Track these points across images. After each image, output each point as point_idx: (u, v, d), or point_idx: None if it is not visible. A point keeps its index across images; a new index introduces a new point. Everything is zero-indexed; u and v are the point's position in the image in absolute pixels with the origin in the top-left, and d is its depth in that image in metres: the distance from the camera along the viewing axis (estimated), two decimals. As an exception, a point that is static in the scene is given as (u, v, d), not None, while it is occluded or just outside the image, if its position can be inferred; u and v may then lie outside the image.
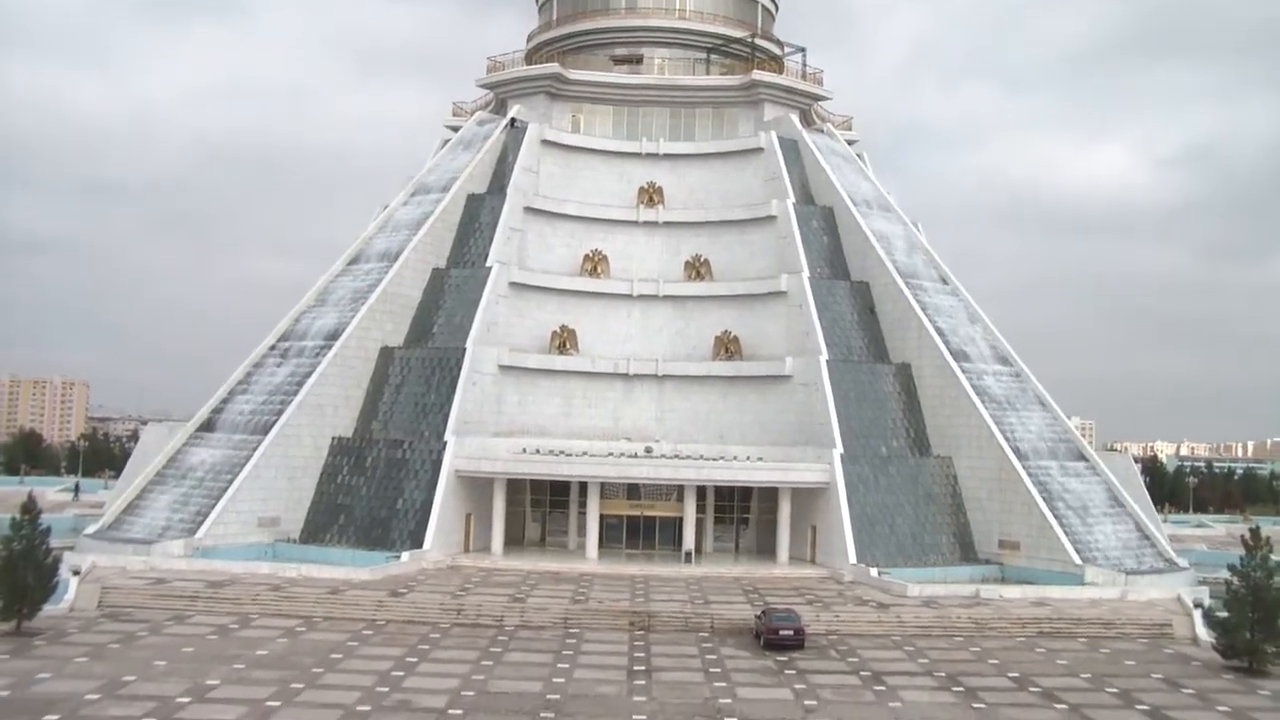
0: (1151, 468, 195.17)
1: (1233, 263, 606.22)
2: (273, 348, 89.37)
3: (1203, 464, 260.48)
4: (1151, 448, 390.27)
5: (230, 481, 79.21)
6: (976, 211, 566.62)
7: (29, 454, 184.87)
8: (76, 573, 63.72)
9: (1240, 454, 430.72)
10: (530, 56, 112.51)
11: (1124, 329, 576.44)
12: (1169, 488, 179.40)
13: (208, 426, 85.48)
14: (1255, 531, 56.50)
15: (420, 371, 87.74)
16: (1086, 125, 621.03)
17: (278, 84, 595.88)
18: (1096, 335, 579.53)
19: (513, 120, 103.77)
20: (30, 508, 56.12)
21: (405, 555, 74.48)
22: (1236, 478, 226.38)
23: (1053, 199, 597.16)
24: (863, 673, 50.76)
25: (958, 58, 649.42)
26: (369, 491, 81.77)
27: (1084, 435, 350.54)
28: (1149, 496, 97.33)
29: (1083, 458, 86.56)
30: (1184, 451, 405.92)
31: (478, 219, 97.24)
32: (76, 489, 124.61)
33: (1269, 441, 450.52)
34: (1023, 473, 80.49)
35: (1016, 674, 51.34)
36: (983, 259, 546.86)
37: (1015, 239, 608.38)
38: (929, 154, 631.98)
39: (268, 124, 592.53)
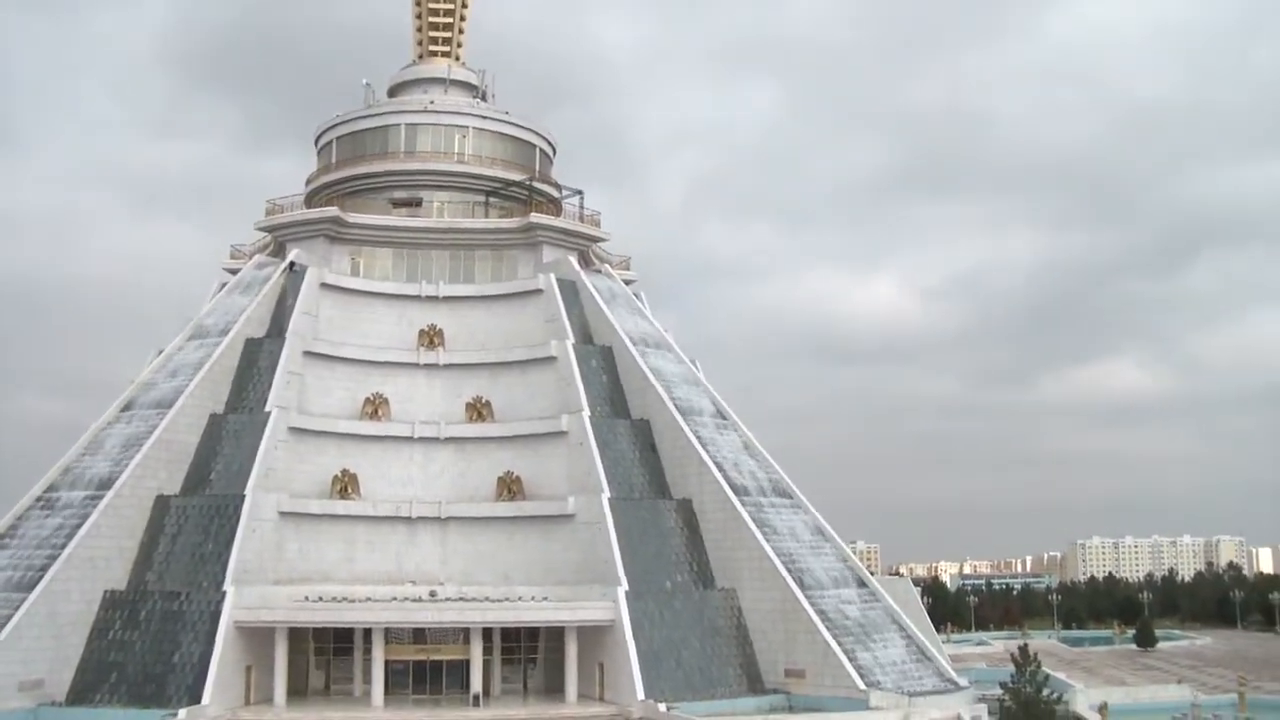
0: (933, 588, 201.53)
1: (1003, 387, 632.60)
2: (39, 499, 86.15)
3: (982, 582, 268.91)
4: (935, 568, 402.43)
5: (-11, 643, 75.65)
6: (761, 343, 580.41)
7: None
8: None
9: (1020, 569, 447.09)
10: (310, 199, 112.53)
11: (904, 453, 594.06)
12: (951, 607, 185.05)
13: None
14: (1023, 649, 59.18)
15: (198, 520, 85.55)
16: (860, 259, 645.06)
17: (42, 218, 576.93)
18: (878, 460, 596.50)
19: (291, 264, 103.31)
20: None
21: (182, 713, 71.78)
22: (1015, 593, 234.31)
23: (832, 330, 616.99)
24: (651, 810, 50.95)
25: (737, 195, 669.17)
26: (143, 646, 78.85)
27: (868, 559, 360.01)
28: (929, 618, 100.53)
29: (863, 584, 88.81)
30: (967, 570, 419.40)
31: (256, 363, 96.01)
32: None
33: (1045, 555, 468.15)
34: (804, 602, 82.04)
35: (801, 804, 52.19)
36: (767, 390, 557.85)
37: (798, 369, 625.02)
38: (714, 287, 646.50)
39: (32, 256, 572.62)
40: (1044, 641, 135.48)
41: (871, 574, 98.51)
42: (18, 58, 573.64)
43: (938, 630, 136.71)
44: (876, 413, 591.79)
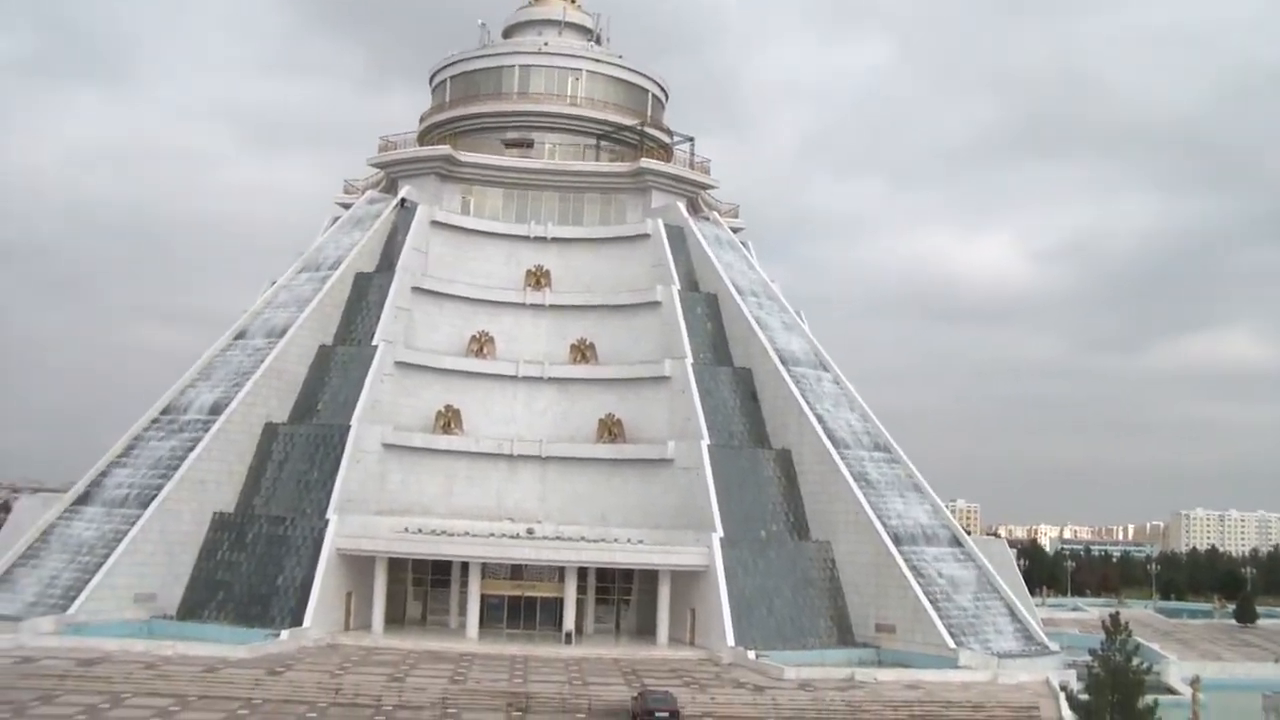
0: (1031, 551, 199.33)
1: (1111, 351, 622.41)
2: (155, 420, 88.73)
3: (1081, 548, 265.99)
4: (1035, 530, 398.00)
5: (106, 556, 78.27)
6: (865, 299, 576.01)
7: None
8: (-62, 649, 62.50)
9: (1121, 537, 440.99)
10: (422, 137, 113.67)
11: (1009, 414, 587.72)
12: (1048, 570, 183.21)
13: (84, 499, 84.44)
14: (1115, 617, 58.30)
15: (304, 448, 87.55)
16: (968, 218, 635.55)
17: (164, 152, 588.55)
18: (982, 420, 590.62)
19: (403, 200, 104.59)
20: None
21: (284, 633, 73.92)
22: (1114, 561, 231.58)
23: (938, 288, 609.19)
24: (737, 754, 51.60)
25: (845, 150, 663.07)
26: (249, 568, 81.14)
27: (968, 519, 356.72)
28: (1023, 580, 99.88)
29: (958, 543, 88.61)
30: (1067, 534, 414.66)
31: (366, 297, 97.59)
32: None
33: (1148, 525, 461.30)
34: (898, 557, 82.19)
35: (887, 756, 52.52)
36: (869, 345, 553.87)
37: (901, 326, 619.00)
38: (819, 241, 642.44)
39: (154, 191, 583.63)
40: (1140, 611, 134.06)
41: (970, 534, 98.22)
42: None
43: (1033, 594, 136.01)
44: (981, 372, 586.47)
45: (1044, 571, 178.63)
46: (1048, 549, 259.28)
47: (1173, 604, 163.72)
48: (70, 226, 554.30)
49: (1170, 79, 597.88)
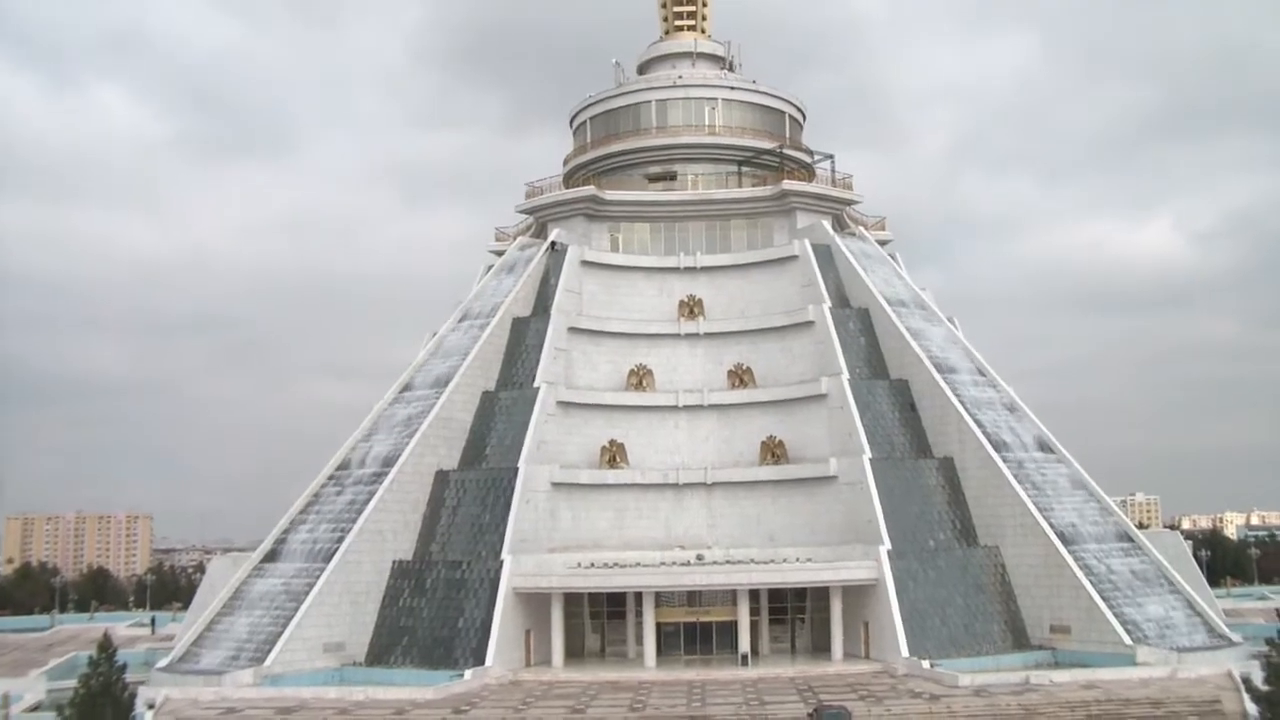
0: (1212, 540, 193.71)
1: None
2: (331, 477, 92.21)
3: (1266, 534, 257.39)
4: (1219, 519, 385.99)
5: (295, 609, 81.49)
6: (1027, 296, 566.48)
7: (98, 590, 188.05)
8: (151, 706, 66.15)
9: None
10: (567, 179, 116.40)
11: (1185, 401, 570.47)
12: (1232, 559, 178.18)
13: (271, 557, 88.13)
14: (1290, 604, 57.69)
15: (475, 493, 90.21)
16: (1126, 206, 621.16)
17: (326, 215, 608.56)
18: (1158, 410, 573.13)
19: (553, 244, 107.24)
20: (106, 645, 58.85)
21: (468, 673, 76.23)
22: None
23: (1100, 279, 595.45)
24: (911, 763, 52.25)
25: (995, 149, 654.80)
26: (430, 612, 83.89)
27: (1148, 511, 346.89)
28: (1201, 572, 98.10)
29: (1129, 538, 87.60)
30: (1254, 521, 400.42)
31: (524, 341, 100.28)
32: (153, 623, 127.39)
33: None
34: (1069, 558, 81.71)
35: (1063, 757, 52.65)
36: (1033, 342, 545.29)
37: (1065, 320, 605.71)
38: (976, 243, 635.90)
39: (319, 254, 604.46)
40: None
41: (1149, 526, 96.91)
42: (291, 70, 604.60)
43: (1217, 584, 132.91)
44: (1154, 360, 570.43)
45: (1228, 561, 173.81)
46: (1234, 537, 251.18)
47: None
48: (245, 296, 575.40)
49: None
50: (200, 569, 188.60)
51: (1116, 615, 78.30)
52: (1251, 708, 60.26)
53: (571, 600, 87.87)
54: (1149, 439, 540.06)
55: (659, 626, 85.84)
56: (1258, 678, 63.54)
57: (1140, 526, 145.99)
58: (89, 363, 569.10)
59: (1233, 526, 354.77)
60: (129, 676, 60.06)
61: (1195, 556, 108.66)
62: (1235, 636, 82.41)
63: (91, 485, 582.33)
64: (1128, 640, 76.29)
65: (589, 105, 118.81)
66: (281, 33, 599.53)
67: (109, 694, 57.05)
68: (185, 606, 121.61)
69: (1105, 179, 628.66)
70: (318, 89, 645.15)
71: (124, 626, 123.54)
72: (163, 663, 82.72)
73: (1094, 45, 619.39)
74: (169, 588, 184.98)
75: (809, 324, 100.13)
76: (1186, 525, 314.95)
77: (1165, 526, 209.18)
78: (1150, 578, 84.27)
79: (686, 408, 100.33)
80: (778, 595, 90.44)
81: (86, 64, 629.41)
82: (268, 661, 77.92)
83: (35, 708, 73.36)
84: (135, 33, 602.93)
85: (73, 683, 60.32)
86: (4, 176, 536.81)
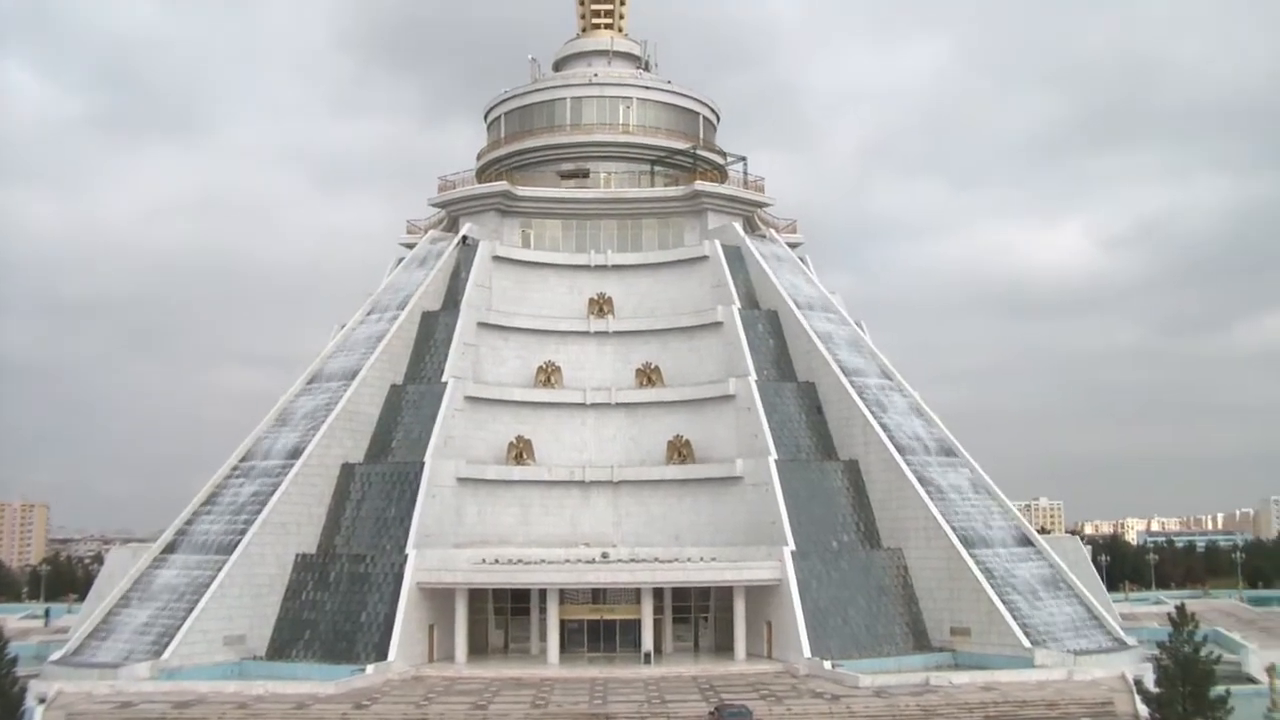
0: (1112, 546, 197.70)
1: (1193, 335, 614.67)
2: (235, 468, 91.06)
3: (1165, 540, 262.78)
4: (1121, 524, 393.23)
5: (195, 602, 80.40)
6: (938, 301, 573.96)
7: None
8: (42, 700, 64.91)
9: (1211, 526, 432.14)
10: (481, 174, 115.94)
11: (1091, 407, 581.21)
12: (1130, 565, 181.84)
13: (172, 548, 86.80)
14: (1181, 609, 59.10)
15: (380, 486, 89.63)
16: (1037, 213, 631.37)
17: (237, 200, 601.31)
18: (1064, 415, 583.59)
19: (464, 238, 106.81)
20: (-3, 637, 57.71)
21: (370, 668, 75.76)
22: (1199, 552, 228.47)
23: (1011, 285, 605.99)
24: (811, 762, 52.73)
25: (909, 153, 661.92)
26: (333, 606, 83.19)
27: (1051, 516, 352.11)
28: (1099, 576, 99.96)
29: (1030, 543, 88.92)
30: (1155, 527, 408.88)
31: (433, 335, 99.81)
32: (46, 614, 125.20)
33: (1238, 512, 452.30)
34: (970, 561, 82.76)
35: (960, 757, 53.38)
36: (942, 347, 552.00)
37: (974, 325, 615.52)
38: (889, 246, 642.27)
39: (229, 238, 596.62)
40: (1226, 602, 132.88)
41: (1051, 531, 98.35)
42: (206, 50, 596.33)
43: (1115, 589, 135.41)
44: (1061, 366, 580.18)
45: (1127, 566, 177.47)
46: (1134, 543, 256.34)
47: (1262, 592, 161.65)
48: (151, 278, 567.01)
49: (1234, 53, 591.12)
50: (98, 559, 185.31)
51: (1016, 618, 79.40)
52: (1143, 709, 61.53)
53: (476, 596, 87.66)
54: (1054, 444, 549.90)
55: (563, 624, 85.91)
56: (1150, 680, 64.94)
57: (1043, 532, 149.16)
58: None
59: (1134, 532, 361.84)
60: (20, 670, 58.87)
61: (1095, 561, 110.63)
62: (1131, 640, 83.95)
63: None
64: (1026, 643, 77.38)
65: (504, 100, 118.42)
66: (197, 11, 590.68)
67: (-1, 686, 55.97)
68: (81, 598, 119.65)
69: (1016, 185, 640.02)
70: (233, 70, 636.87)
71: (16, 618, 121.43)
72: (56, 655, 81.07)
73: (1006, 53, 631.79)
74: (65, 578, 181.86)
75: (718, 325, 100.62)
76: (1089, 530, 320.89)
77: (1067, 532, 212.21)
78: (1049, 581, 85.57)
79: (594, 405, 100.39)
80: (682, 594, 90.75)
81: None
82: (166, 654, 76.78)
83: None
84: (44, 7, 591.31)
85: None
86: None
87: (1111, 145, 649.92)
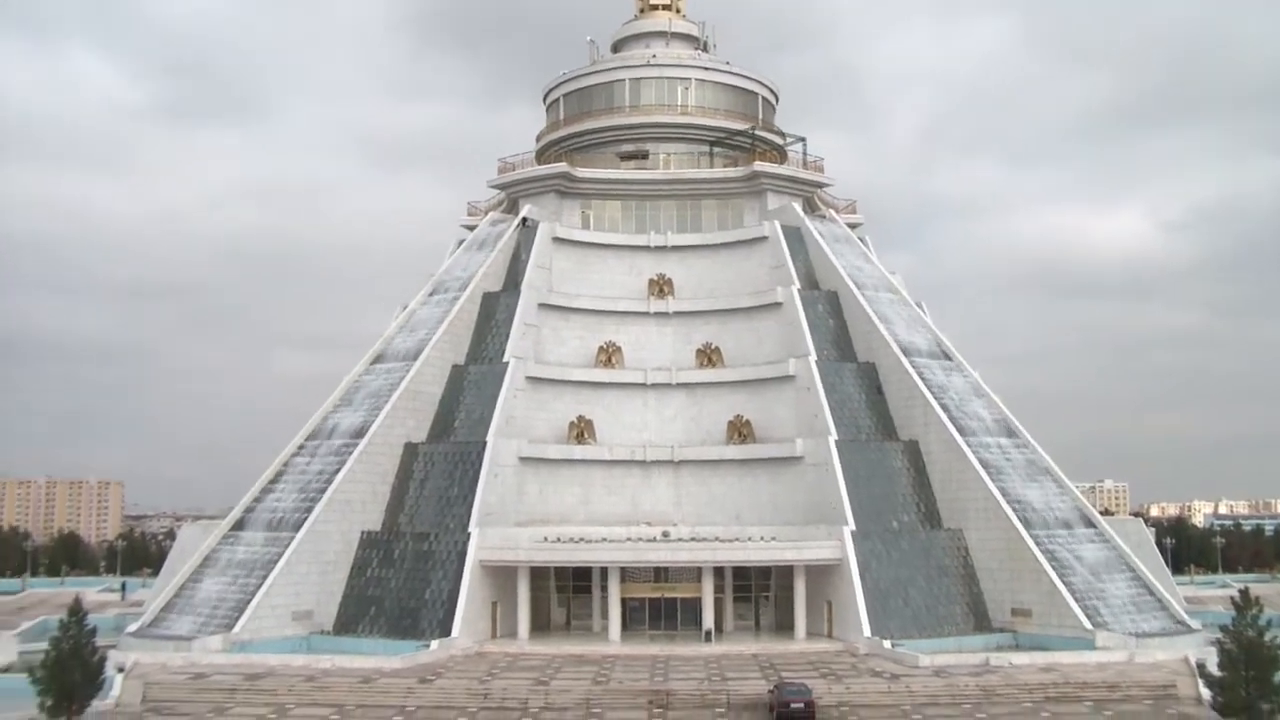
0: (1177, 528, 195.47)
1: (1256, 317, 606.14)
2: (301, 446, 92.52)
3: (1232, 523, 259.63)
4: (1188, 507, 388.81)
5: (264, 577, 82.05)
6: (998, 282, 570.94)
7: (69, 555, 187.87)
8: (121, 670, 66.50)
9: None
10: (540, 156, 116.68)
11: (1156, 390, 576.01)
12: (1196, 548, 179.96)
13: (241, 525, 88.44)
14: (1245, 593, 58.80)
15: (443, 466, 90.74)
16: (1094, 194, 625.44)
17: (297, 183, 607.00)
18: (1129, 397, 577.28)
19: (524, 220, 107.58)
20: (77, 609, 59.14)
21: (434, 644, 76.99)
22: (1268, 535, 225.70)
23: (1070, 266, 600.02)
24: (871, 740, 53.21)
25: (969, 133, 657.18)
26: (398, 583, 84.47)
27: (1117, 498, 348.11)
28: (1163, 559, 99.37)
29: (1091, 524, 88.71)
30: (1222, 509, 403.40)
31: (494, 316, 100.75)
32: (123, 588, 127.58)
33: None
34: (1030, 542, 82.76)
35: (1019, 736, 53.69)
36: (1004, 327, 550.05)
37: (1036, 307, 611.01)
38: (948, 226, 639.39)
39: (290, 222, 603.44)
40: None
41: (1116, 514, 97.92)
42: (267, 36, 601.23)
43: (1181, 572, 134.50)
44: (1125, 348, 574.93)
45: (1192, 549, 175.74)
46: (1200, 526, 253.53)
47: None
48: (215, 263, 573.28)
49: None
50: (170, 536, 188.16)
51: (1077, 599, 79.31)
52: (1205, 692, 61.31)
53: (538, 574, 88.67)
54: (1119, 426, 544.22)
55: (624, 602, 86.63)
56: (1213, 664, 64.73)
57: (1107, 514, 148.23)
58: (60, 326, 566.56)
59: (1200, 515, 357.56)
60: (99, 641, 60.29)
61: (1159, 544, 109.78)
62: (1194, 623, 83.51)
63: (63, 450, 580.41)
64: (1087, 624, 77.36)
65: (563, 82, 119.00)
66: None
67: (79, 657, 57.27)
68: (155, 573, 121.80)
69: (1077, 166, 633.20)
70: (293, 56, 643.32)
71: (94, 591, 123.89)
72: (133, 627, 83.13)
73: (1069, 32, 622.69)
74: (139, 554, 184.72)
75: (777, 305, 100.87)
76: (1155, 513, 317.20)
77: (1132, 514, 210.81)
78: (1111, 563, 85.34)
79: (654, 385, 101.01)
80: (742, 573, 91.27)
81: (63, 29, 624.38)
82: (236, 628, 78.52)
83: (7, 669, 74.17)
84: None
85: (44, 645, 60.54)
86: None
87: (1174, 126, 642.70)
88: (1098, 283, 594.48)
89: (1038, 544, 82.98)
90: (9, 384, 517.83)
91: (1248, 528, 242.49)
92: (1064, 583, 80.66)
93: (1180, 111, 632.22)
